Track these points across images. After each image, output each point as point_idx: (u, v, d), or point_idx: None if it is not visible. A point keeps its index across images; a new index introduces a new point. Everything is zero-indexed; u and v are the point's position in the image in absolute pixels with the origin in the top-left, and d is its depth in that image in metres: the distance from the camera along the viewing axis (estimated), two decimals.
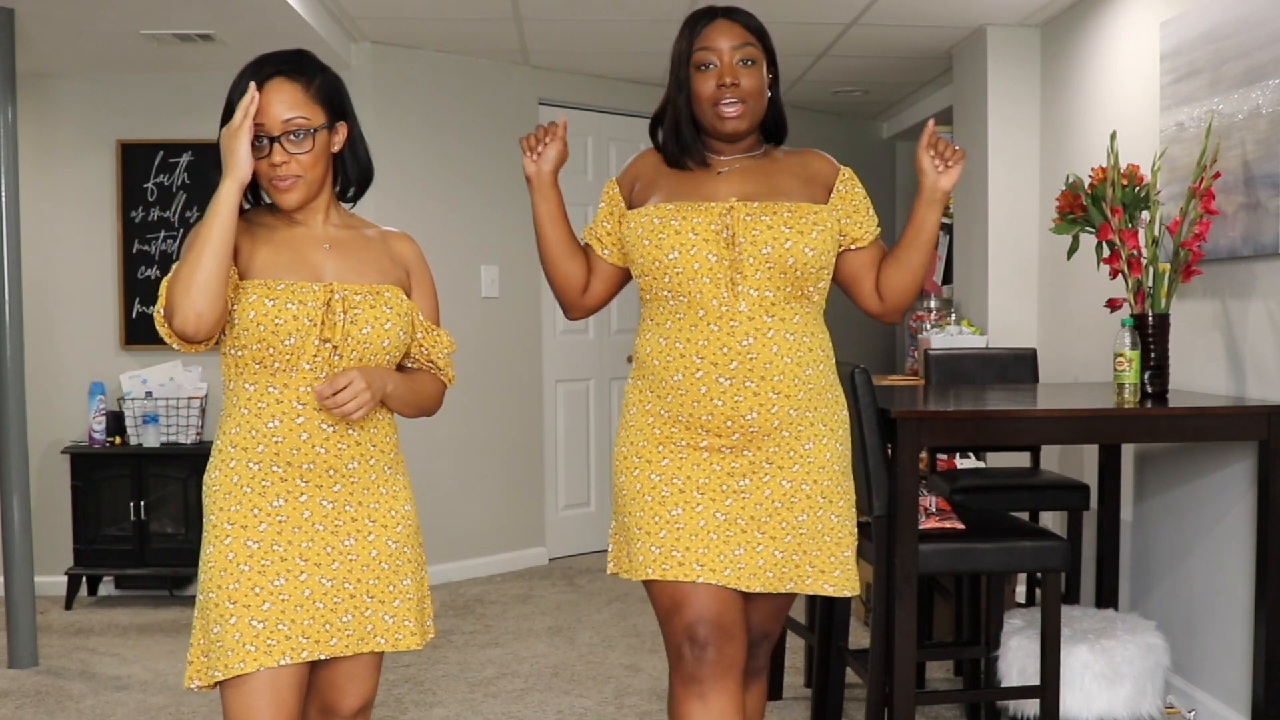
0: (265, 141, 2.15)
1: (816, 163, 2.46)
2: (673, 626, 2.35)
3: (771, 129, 2.47)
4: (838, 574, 2.40)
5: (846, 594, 2.42)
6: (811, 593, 2.39)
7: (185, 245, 2.12)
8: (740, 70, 2.35)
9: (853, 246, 2.43)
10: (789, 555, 2.35)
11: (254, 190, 2.26)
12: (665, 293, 2.34)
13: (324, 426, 2.16)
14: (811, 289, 2.35)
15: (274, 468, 2.15)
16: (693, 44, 2.38)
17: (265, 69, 2.17)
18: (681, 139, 2.40)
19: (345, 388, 2.11)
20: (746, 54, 2.36)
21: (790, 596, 2.46)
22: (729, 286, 2.30)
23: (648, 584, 2.37)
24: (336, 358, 2.16)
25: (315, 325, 2.13)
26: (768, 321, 2.31)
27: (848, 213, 2.41)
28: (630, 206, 2.45)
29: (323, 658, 2.17)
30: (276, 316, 2.12)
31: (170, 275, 2.11)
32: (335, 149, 2.23)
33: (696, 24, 2.39)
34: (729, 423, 2.31)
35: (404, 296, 2.26)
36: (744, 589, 2.34)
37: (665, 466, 2.35)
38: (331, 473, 2.18)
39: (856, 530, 2.47)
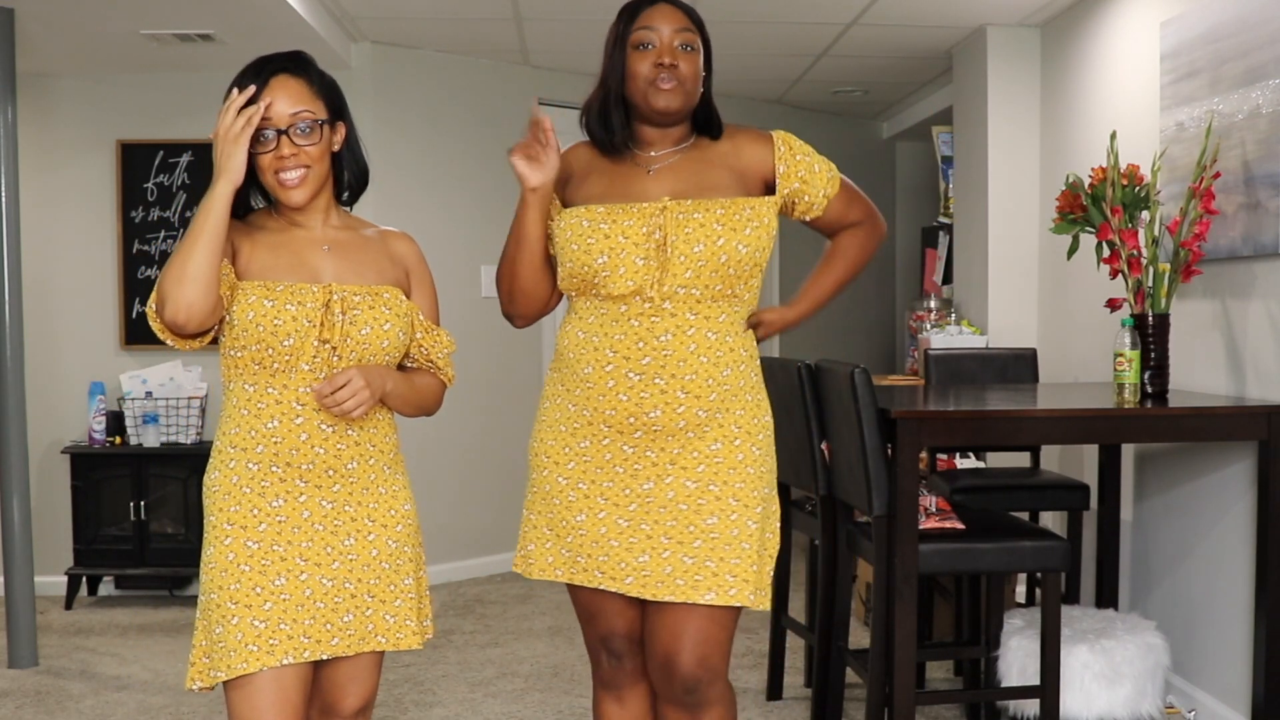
0: (272, 135, 2.15)
1: (749, 147, 2.37)
2: (589, 634, 2.40)
3: (703, 123, 2.39)
4: (760, 582, 2.28)
5: (760, 608, 2.28)
6: (735, 604, 2.24)
7: (178, 241, 2.12)
8: (679, 54, 2.29)
9: (807, 217, 2.40)
10: (701, 562, 2.23)
11: (245, 198, 2.24)
12: (592, 292, 2.29)
13: (323, 427, 2.16)
14: (742, 287, 2.29)
15: (273, 468, 2.16)
16: (632, 25, 2.32)
17: (269, 66, 2.18)
18: (609, 122, 2.33)
19: (344, 386, 2.11)
20: (686, 39, 2.31)
21: (725, 627, 2.29)
22: (655, 285, 2.24)
23: (569, 587, 2.38)
24: (336, 359, 2.16)
25: (314, 326, 2.14)
26: (690, 319, 2.25)
27: (797, 191, 2.36)
28: (564, 204, 2.37)
29: (325, 657, 2.17)
30: (275, 317, 2.12)
31: (163, 270, 2.10)
32: (335, 148, 2.24)
33: (637, 8, 2.35)
34: (631, 419, 2.26)
35: (403, 297, 2.26)
36: (650, 597, 2.26)
37: (571, 470, 2.32)
38: (331, 473, 2.18)
39: (775, 547, 2.34)
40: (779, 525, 2.39)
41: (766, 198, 2.32)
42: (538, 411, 2.41)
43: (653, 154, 2.35)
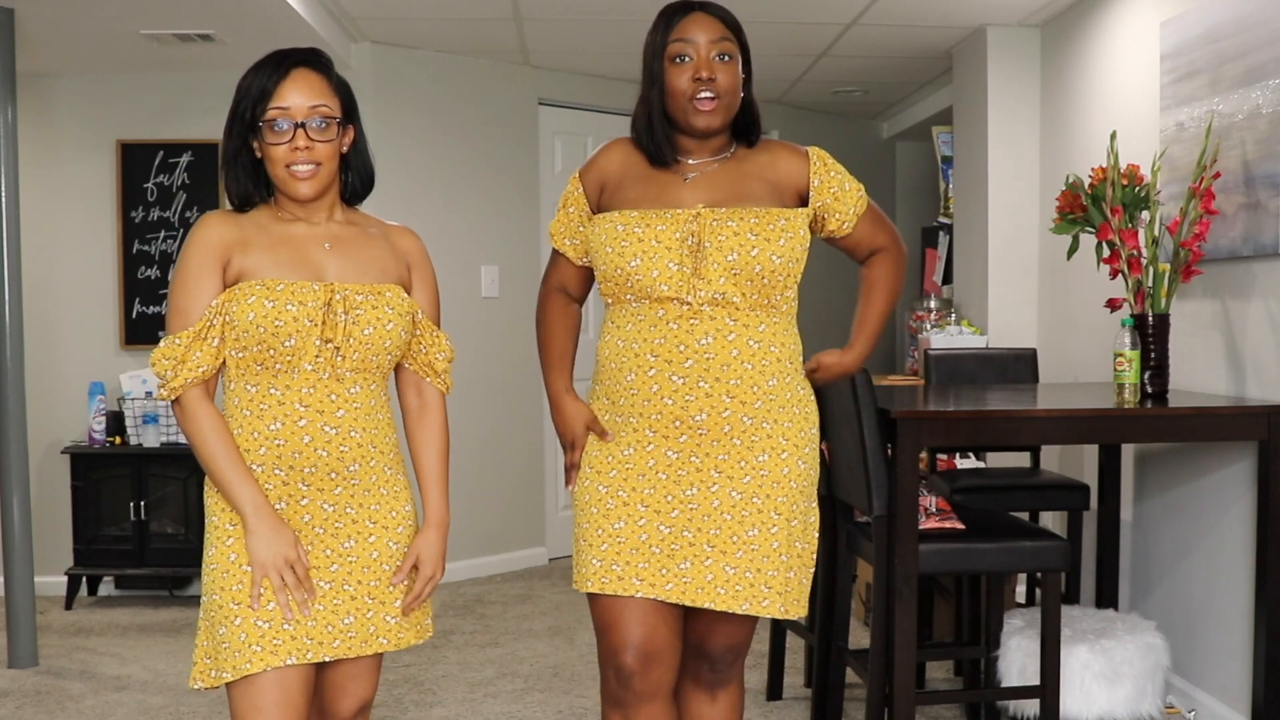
0: (287, 126, 2.14)
1: (785, 160, 2.39)
2: (603, 648, 2.35)
3: (743, 128, 2.39)
4: (790, 596, 2.32)
5: (792, 616, 2.35)
6: (767, 615, 2.30)
7: (199, 443, 2.14)
8: (717, 65, 2.29)
9: (837, 235, 2.41)
10: (741, 572, 2.28)
11: (248, 193, 2.23)
12: (628, 296, 2.31)
13: (326, 429, 2.15)
14: (778, 297, 2.30)
15: (276, 470, 2.15)
16: (668, 36, 2.31)
17: (291, 58, 2.17)
18: (655, 136, 2.34)
19: (422, 591, 2.26)
20: (723, 49, 2.30)
21: (753, 621, 2.39)
22: (691, 290, 2.25)
23: (589, 596, 2.35)
24: (339, 358, 2.15)
25: (316, 325, 2.12)
26: (729, 324, 2.26)
27: (828, 206, 2.37)
28: (597, 209, 2.39)
29: (328, 659, 2.16)
30: (276, 317, 2.11)
31: (168, 360, 2.12)
32: (343, 150, 2.23)
33: (672, 17, 2.33)
34: (677, 422, 2.27)
35: (405, 295, 2.25)
36: (689, 604, 2.29)
37: (612, 478, 2.32)
38: (333, 475, 2.17)
39: (813, 556, 2.39)
40: (816, 535, 2.42)
41: (800, 209, 2.33)
42: None
43: (691, 162, 2.36)
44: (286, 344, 2.11)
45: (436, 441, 2.33)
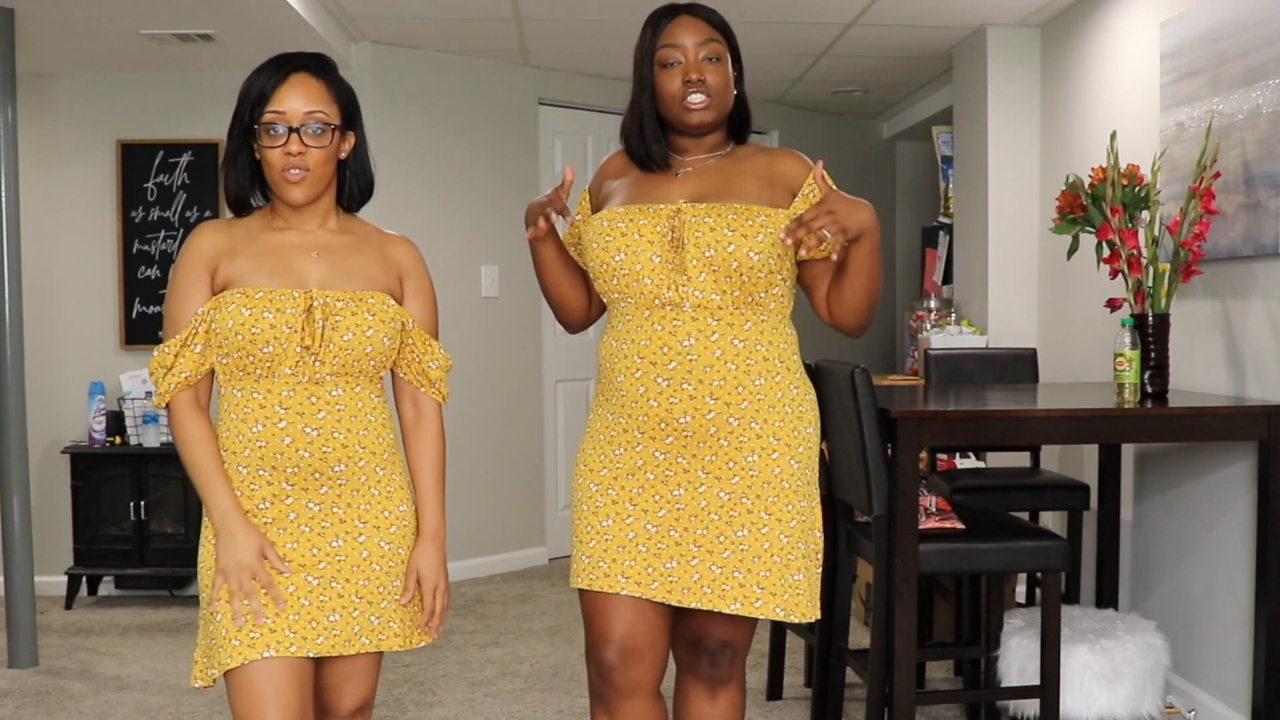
0: (283, 130, 2.15)
1: (785, 163, 2.37)
2: (587, 643, 2.36)
3: (736, 126, 2.40)
4: (786, 597, 2.27)
5: (795, 619, 2.30)
6: (760, 615, 2.28)
7: (182, 450, 2.18)
8: (705, 67, 2.30)
9: (822, 248, 2.29)
10: (729, 572, 2.26)
11: (245, 197, 2.24)
12: (616, 295, 2.31)
13: (307, 430, 2.16)
14: (763, 294, 2.27)
15: (260, 471, 2.17)
16: (656, 42, 2.33)
17: (291, 62, 2.19)
18: (645, 139, 2.35)
19: (437, 602, 2.27)
20: (711, 50, 2.31)
21: (751, 620, 2.36)
22: (673, 287, 2.25)
23: (579, 592, 2.36)
24: (318, 364, 2.16)
25: (295, 332, 2.14)
26: (712, 325, 2.25)
27: None
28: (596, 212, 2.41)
29: (311, 655, 2.17)
30: (254, 325, 2.12)
31: (160, 368, 2.16)
32: (342, 156, 2.23)
33: (659, 22, 2.34)
34: (663, 424, 2.27)
35: (391, 303, 2.24)
36: (675, 603, 2.29)
37: (603, 476, 2.32)
38: (317, 476, 2.18)
39: (818, 555, 2.35)
40: (820, 536, 2.38)
41: (782, 210, 2.30)
42: (585, 426, 2.44)
43: (685, 158, 2.37)
44: (265, 350, 2.13)
45: (432, 453, 2.33)
